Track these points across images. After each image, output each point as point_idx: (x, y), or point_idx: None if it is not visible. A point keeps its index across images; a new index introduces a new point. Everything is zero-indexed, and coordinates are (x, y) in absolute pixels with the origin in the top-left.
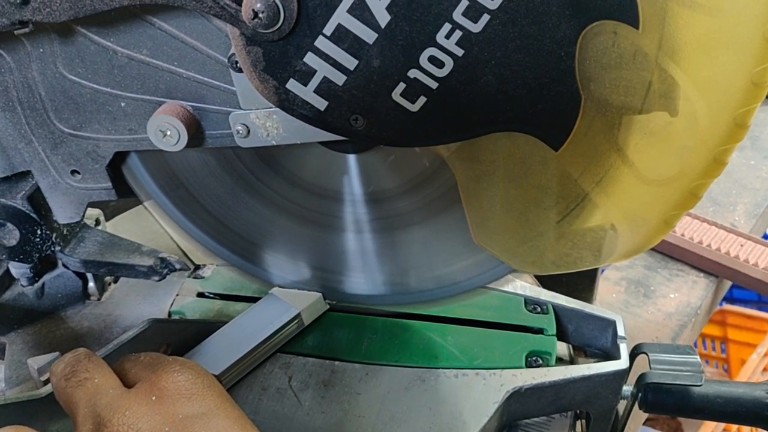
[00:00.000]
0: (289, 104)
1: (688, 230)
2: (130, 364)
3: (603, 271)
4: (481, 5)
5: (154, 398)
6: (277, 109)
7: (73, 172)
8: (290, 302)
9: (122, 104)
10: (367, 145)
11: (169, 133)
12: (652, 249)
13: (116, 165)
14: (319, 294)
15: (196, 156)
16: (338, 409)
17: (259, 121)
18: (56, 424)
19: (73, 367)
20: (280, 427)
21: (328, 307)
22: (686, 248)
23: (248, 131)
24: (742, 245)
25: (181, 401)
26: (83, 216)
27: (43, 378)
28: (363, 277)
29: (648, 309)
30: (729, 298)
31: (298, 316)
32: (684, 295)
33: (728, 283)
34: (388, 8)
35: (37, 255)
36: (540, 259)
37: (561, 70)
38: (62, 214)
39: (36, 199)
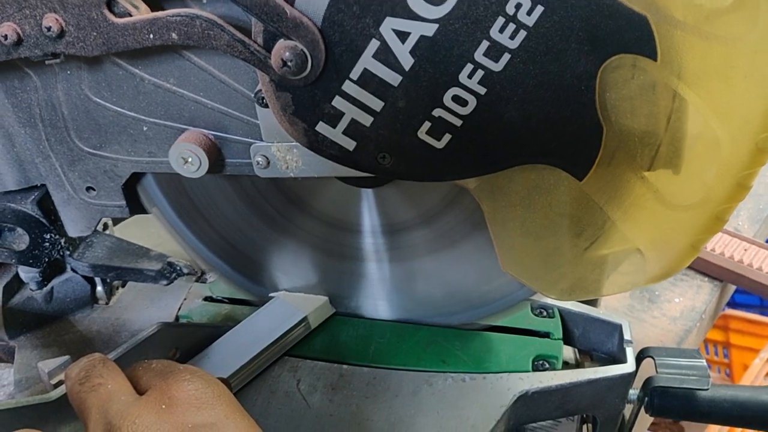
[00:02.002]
0: (318, 145)
1: None
2: (142, 371)
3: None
4: (502, 45)
5: (164, 406)
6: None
7: (89, 188)
8: (297, 306)
9: (144, 128)
10: (386, 180)
11: (190, 160)
12: None
13: (131, 184)
14: (326, 298)
15: (211, 178)
16: (346, 413)
17: (279, 154)
18: (66, 427)
19: (88, 372)
20: (289, 430)
21: (334, 311)
22: None
23: (268, 162)
24: (746, 249)
25: (190, 410)
26: (92, 231)
27: (54, 381)
28: (376, 302)
29: (653, 313)
30: (732, 303)
31: (304, 319)
32: (689, 299)
33: (732, 288)
34: (412, 52)
35: (46, 259)
36: (570, 286)
37: (582, 103)
38: (74, 227)
39: (45, 204)
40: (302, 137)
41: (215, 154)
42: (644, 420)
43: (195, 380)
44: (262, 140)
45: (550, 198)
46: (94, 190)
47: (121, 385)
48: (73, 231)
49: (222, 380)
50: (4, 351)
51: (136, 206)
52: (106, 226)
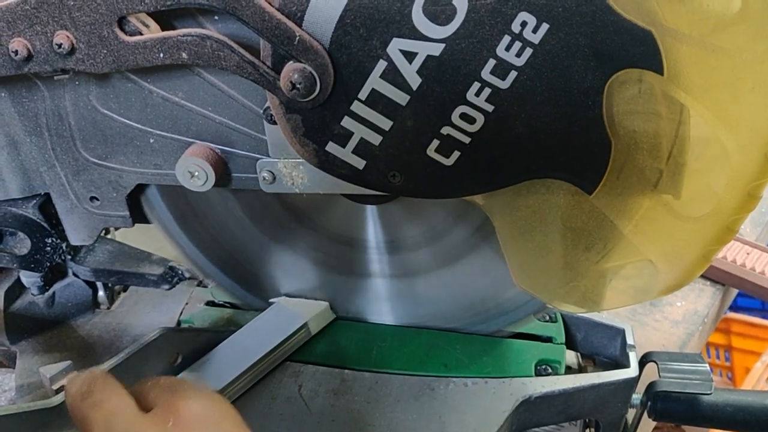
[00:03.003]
0: (329, 165)
1: None
2: (147, 386)
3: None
4: (509, 63)
5: (170, 424)
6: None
7: (93, 198)
8: (297, 312)
9: (151, 140)
10: (392, 196)
11: (197, 174)
12: None
13: (135, 195)
14: (326, 303)
15: (215, 191)
16: (348, 418)
17: (285, 170)
18: None
19: (89, 387)
20: None
21: (334, 316)
22: None
23: (274, 178)
24: (748, 253)
25: (197, 429)
26: (97, 239)
27: (55, 387)
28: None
29: (655, 317)
30: (733, 307)
31: (304, 325)
32: (691, 303)
33: (734, 292)
34: (419, 72)
35: (48, 264)
36: (582, 299)
37: (590, 118)
38: (76, 236)
39: (47, 208)
40: (313, 158)
41: (221, 168)
42: (647, 424)
43: (202, 399)
44: (268, 156)
45: (560, 212)
46: (98, 200)
47: (124, 401)
48: (75, 239)
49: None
50: (6, 356)
51: (138, 216)
52: (107, 231)
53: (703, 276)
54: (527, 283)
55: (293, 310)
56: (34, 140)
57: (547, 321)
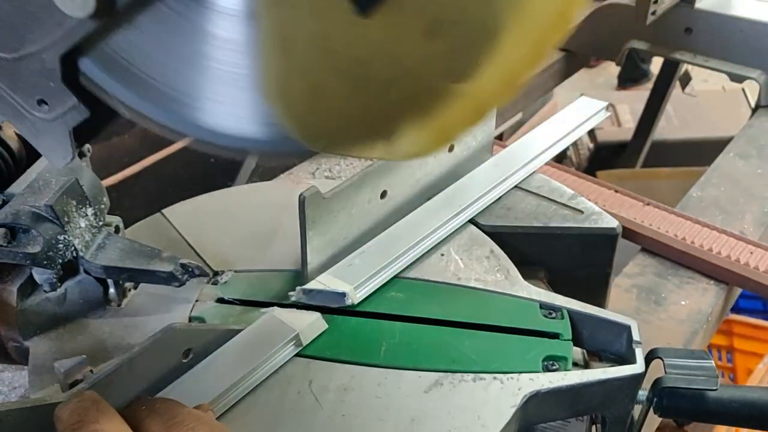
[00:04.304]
0: None
1: (698, 238)
2: (143, 412)
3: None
4: None
5: None
6: None
7: (40, 102)
8: (288, 322)
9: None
10: None
11: None
12: (662, 257)
13: (72, 78)
14: (318, 314)
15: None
16: (358, 413)
17: None
18: None
19: (80, 416)
20: (301, 429)
21: (326, 326)
22: (696, 255)
23: None
24: (751, 253)
25: None
26: (74, 154)
27: (69, 381)
28: None
29: (659, 316)
30: (735, 309)
31: (296, 336)
32: (695, 302)
33: (738, 291)
34: None
35: (60, 261)
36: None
37: None
38: (55, 156)
39: (59, 205)
40: None
41: None
42: (653, 421)
43: (200, 429)
44: None
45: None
46: (45, 102)
47: (118, 429)
48: (57, 161)
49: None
50: (18, 352)
51: (89, 99)
52: (117, 229)
53: (706, 275)
54: (277, 100)
55: (285, 321)
56: None
57: (553, 318)
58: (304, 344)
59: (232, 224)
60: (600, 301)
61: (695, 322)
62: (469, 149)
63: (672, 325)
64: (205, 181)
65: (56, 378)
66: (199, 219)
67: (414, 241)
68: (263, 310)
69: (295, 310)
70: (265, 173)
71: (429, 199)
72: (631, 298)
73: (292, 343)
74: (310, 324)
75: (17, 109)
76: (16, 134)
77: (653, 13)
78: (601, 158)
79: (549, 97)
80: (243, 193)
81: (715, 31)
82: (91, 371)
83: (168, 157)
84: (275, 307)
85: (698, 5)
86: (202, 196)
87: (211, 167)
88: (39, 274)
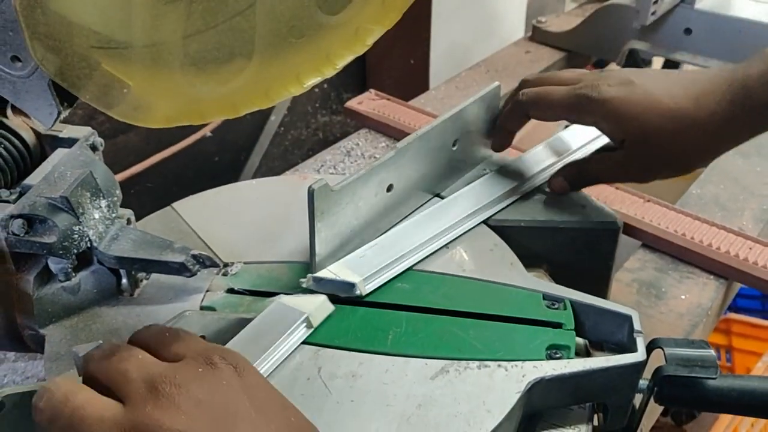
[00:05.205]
0: None
1: (698, 234)
2: (169, 338)
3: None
4: None
5: (210, 368)
6: None
7: (14, 59)
8: (297, 306)
9: None
10: None
11: None
12: (663, 252)
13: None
14: (324, 296)
15: None
16: (366, 399)
17: None
18: None
19: (112, 350)
20: (311, 414)
21: (333, 308)
22: (696, 251)
23: None
24: (750, 248)
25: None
26: (60, 110)
27: None
28: None
29: (660, 309)
30: (734, 308)
31: (306, 318)
32: (695, 296)
33: (737, 286)
34: None
35: (75, 251)
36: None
37: None
38: (42, 115)
39: (74, 197)
40: None
41: None
42: (653, 410)
43: (229, 352)
44: None
45: None
46: (18, 59)
47: (151, 356)
48: (44, 119)
49: None
50: (34, 340)
51: None
52: (129, 222)
53: (706, 270)
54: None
55: (293, 305)
56: None
57: (556, 308)
58: (315, 326)
59: (241, 217)
60: (602, 295)
61: (695, 316)
62: (468, 148)
63: (672, 319)
64: (210, 180)
65: (71, 365)
66: (208, 212)
67: (426, 238)
68: (271, 299)
69: (301, 294)
70: (269, 172)
71: (432, 194)
72: (632, 292)
73: (303, 325)
74: (318, 306)
75: None
76: (32, 129)
77: (653, 14)
78: None
79: None
80: (251, 188)
81: (715, 32)
82: None
83: (173, 155)
84: (281, 295)
85: (698, 6)
86: (211, 191)
87: (216, 166)
88: (54, 264)
